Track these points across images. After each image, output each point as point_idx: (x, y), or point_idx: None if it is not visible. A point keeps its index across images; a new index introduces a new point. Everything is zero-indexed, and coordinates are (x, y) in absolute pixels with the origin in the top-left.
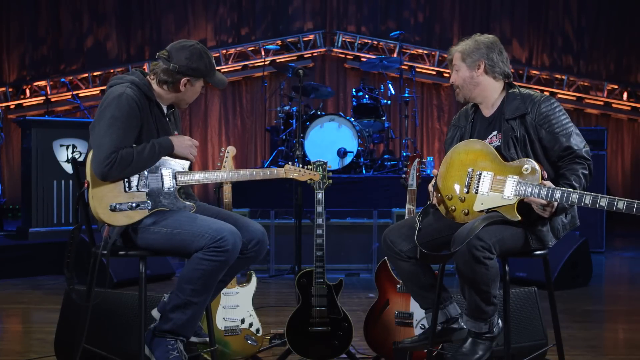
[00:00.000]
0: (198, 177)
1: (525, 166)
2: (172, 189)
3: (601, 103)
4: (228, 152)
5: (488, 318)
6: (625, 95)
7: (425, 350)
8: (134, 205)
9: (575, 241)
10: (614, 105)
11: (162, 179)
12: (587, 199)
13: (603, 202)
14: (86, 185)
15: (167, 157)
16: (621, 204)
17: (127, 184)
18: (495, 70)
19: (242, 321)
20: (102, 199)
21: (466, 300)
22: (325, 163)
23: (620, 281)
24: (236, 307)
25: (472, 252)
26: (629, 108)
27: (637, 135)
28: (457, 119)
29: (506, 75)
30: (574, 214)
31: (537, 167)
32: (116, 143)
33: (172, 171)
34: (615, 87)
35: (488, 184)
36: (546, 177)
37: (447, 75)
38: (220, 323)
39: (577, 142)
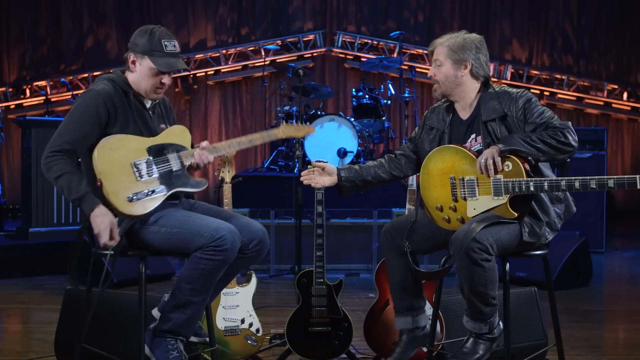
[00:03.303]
0: (197, 152)
1: (507, 163)
2: (180, 170)
3: (601, 103)
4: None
5: (488, 319)
6: (625, 95)
7: (425, 350)
8: (150, 192)
9: (575, 241)
10: (614, 105)
11: (169, 162)
12: (577, 184)
13: (594, 184)
14: (99, 183)
15: (174, 141)
16: (611, 182)
17: (137, 174)
18: (480, 72)
19: (242, 321)
20: (117, 193)
21: (466, 302)
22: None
23: (620, 281)
24: (236, 307)
25: (469, 254)
26: (629, 108)
27: (637, 135)
28: (430, 118)
29: (486, 77)
30: (568, 202)
31: (517, 161)
32: (64, 139)
33: (176, 154)
34: (615, 87)
35: (474, 188)
36: (528, 168)
37: None
38: (220, 323)
39: (553, 119)
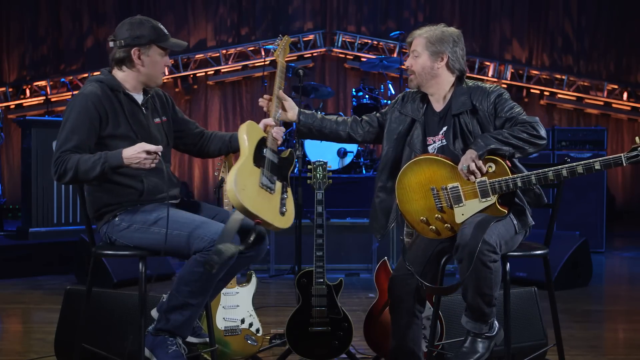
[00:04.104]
0: (274, 132)
1: (489, 164)
2: (277, 158)
3: (601, 103)
4: None
5: (489, 319)
6: (625, 95)
7: (426, 350)
8: (284, 195)
9: (575, 241)
10: (614, 105)
11: (270, 159)
12: (565, 172)
13: (581, 169)
14: (259, 222)
15: (256, 139)
16: (598, 165)
17: (268, 190)
18: (455, 65)
19: (242, 321)
20: (274, 218)
21: (467, 303)
22: (325, 163)
23: (620, 281)
24: (236, 307)
25: (480, 257)
26: (629, 108)
27: (637, 135)
28: (405, 106)
29: (461, 72)
30: (540, 192)
31: (499, 160)
32: (62, 147)
33: (266, 148)
34: (615, 87)
35: (460, 195)
36: (510, 165)
37: None
38: (220, 323)
39: (522, 114)
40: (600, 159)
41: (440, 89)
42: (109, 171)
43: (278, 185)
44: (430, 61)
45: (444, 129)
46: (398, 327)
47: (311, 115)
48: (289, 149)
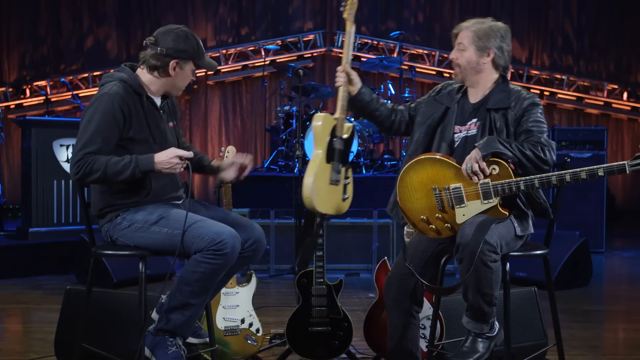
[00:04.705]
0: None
1: (493, 166)
2: (342, 142)
3: (601, 103)
4: (228, 152)
5: (489, 319)
6: (625, 95)
7: (426, 350)
8: (348, 181)
9: (575, 241)
10: (614, 105)
11: (338, 147)
12: (568, 177)
13: (584, 174)
14: (326, 217)
15: (327, 132)
16: (601, 171)
17: (335, 182)
18: (500, 62)
19: (242, 321)
20: (338, 206)
21: (468, 303)
22: None
23: (620, 281)
24: (236, 307)
25: (480, 257)
26: (629, 108)
27: (637, 135)
28: (439, 93)
29: (505, 69)
30: (546, 207)
31: (503, 163)
32: (87, 147)
33: (337, 138)
34: (615, 87)
35: (462, 196)
36: (514, 167)
37: (447, 75)
38: (220, 323)
39: (543, 133)
40: (604, 165)
41: (482, 83)
42: (139, 175)
43: (342, 172)
44: (476, 56)
45: (474, 120)
46: (395, 328)
47: (369, 94)
48: (351, 124)
